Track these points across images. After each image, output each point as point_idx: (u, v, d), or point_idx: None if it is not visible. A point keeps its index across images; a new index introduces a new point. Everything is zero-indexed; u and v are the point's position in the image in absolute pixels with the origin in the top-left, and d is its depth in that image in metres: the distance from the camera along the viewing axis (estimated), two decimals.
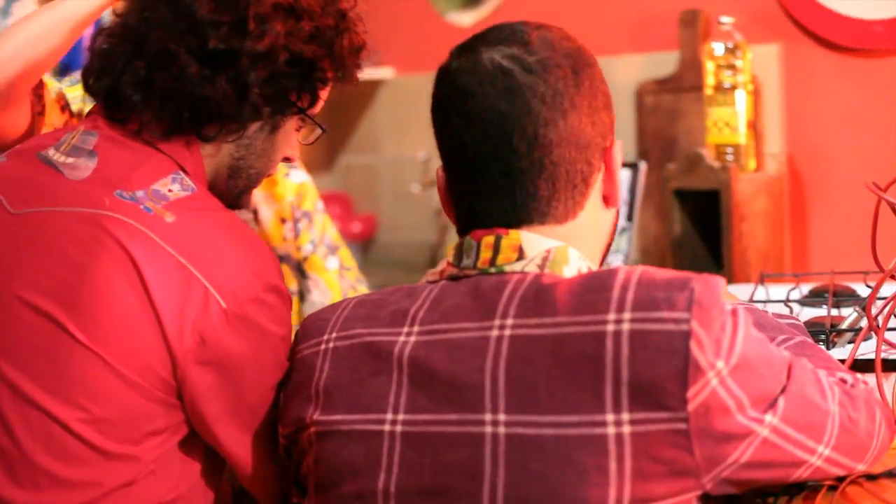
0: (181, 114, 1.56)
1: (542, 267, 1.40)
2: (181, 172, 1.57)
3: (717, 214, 2.38)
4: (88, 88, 1.63)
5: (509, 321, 1.35)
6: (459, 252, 1.45)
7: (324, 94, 1.67)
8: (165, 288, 1.46)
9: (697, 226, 2.49)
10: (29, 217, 1.53)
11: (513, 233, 1.42)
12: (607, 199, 1.48)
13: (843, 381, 1.44)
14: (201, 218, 1.53)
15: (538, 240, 1.42)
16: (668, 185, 2.46)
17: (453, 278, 1.45)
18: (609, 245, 1.55)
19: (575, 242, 1.44)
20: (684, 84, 2.79)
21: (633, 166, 2.67)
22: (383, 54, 3.83)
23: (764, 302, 1.98)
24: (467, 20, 3.52)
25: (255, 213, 2.30)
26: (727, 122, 2.38)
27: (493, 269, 1.41)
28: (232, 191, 1.67)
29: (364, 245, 4.04)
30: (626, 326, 1.29)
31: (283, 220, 2.33)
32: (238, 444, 1.55)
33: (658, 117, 2.88)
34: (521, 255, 1.41)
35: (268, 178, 2.24)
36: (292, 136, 1.69)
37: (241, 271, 1.51)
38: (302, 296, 2.37)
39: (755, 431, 1.30)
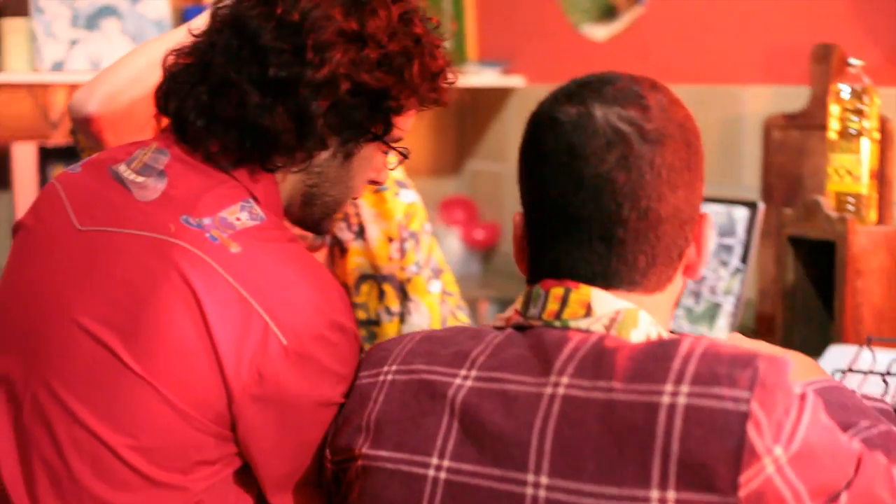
0: (243, 143, 1.52)
1: (608, 328, 1.35)
2: (251, 200, 1.54)
3: (832, 265, 2.28)
4: (160, 108, 1.60)
5: (564, 380, 1.31)
6: (527, 300, 1.41)
7: (401, 121, 1.62)
8: (225, 321, 1.43)
9: (812, 275, 2.39)
10: (94, 236, 1.52)
11: (583, 288, 1.37)
12: (688, 269, 1.44)
13: None
14: (267, 250, 1.50)
15: (609, 299, 1.37)
16: (784, 231, 2.36)
17: (518, 327, 1.41)
18: (674, 309, 1.50)
19: (654, 311, 1.40)
20: (813, 121, 2.68)
21: (751, 206, 2.57)
22: (515, 63, 3.79)
23: (865, 373, 1.87)
24: (601, 34, 3.45)
25: (363, 231, 2.28)
26: (849, 169, 2.28)
27: (557, 323, 1.37)
28: (310, 217, 1.64)
29: (485, 253, 4.01)
30: (681, 400, 1.23)
31: (390, 240, 2.30)
32: (285, 480, 1.52)
33: (784, 154, 2.78)
34: (588, 312, 1.37)
35: (377, 196, 2.25)
36: (374, 160, 1.65)
37: (304, 307, 1.47)
38: (402, 317, 2.34)
39: None
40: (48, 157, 3.34)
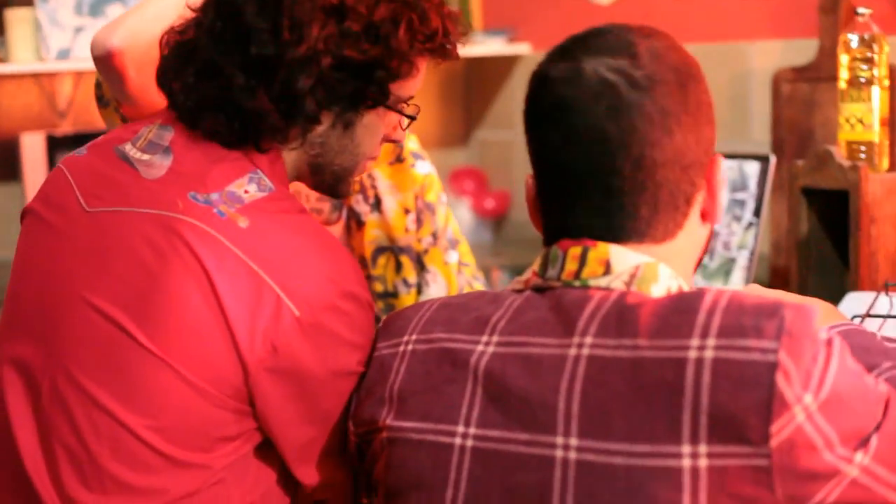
0: (233, 125, 1.51)
1: (629, 284, 1.35)
2: (258, 171, 1.53)
3: (846, 215, 2.28)
4: (160, 84, 1.59)
5: (588, 339, 1.30)
6: (545, 262, 1.40)
7: (403, 84, 1.58)
8: (236, 295, 1.43)
9: (826, 225, 2.38)
10: (102, 216, 1.51)
11: (601, 245, 1.36)
12: (705, 215, 1.42)
13: None
14: (276, 222, 1.49)
15: (627, 254, 1.36)
16: (797, 183, 2.36)
17: (538, 289, 1.40)
18: (700, 259, 1.48)
19: (671, 261, 1.38)
20: (822, 74, 2.67)
21: (763, 159, 2.57)
22: (520, 30, 3.78)
23: (884, 317, 1.88)
24: (606, 0, 3.44)
25: (379, 202, 2.28)
26: (860, 118, 2.27)
27: (577, 283, 1.36)
28: (322, 185, 1.63)
29: (497, 222, 4.00)
30: (709, 354, 1.23)
31: (406, 211, 2.30)
32: (307, 451, 1.52)
33: (794, 107, 2.77)
34: (607, 270, 1.36)
35: (393, 168, 2.24)
36: (379, 125, 1.61)
37: (315, 278, 1.47)
38: (420, 288, 2.34)
39: (843, 471, 1.23)
40: (56, 146, 3.33)
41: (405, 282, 2.28)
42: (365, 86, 1.53)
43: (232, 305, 1.43)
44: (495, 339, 1.37)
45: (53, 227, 1.55)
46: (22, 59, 3.31)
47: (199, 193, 1.48)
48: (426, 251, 2.30)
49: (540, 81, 1.40)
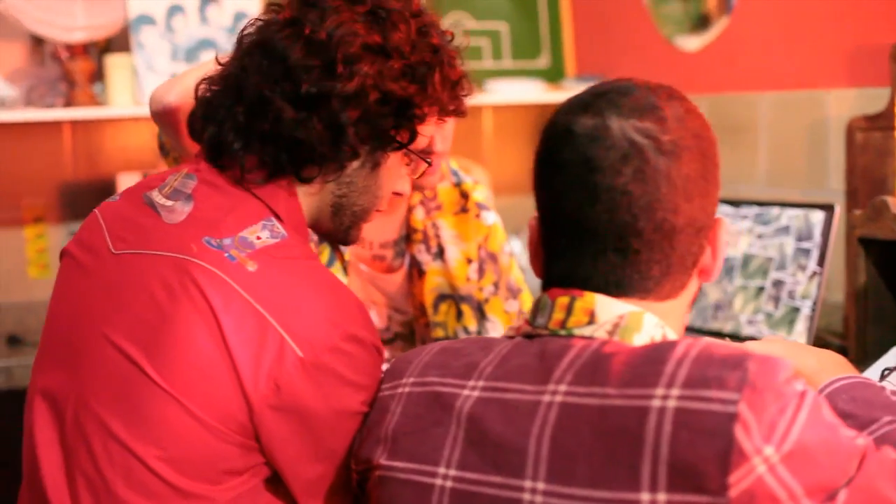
0: (280, 157, 1.59)
1: (611, 333, 1.37)
2: (273, 219, 1.60)
3: None
4: (193, 134, 1.68)
5: (562, 387, 1.33)
6: (535, 310, 1.43)
7: (424, 128, 1.68)
8: (242, 335, 1.49)
9: (883, 275, 2.35)
10: (125, 258, 1.59)
11: (588, 295, 1.38)
12: (703, 273, 1.44)
13: None
14: (283, 267, 1.55)
15: (612, 304, 1.38)
16: (854, 233, 2.34)
17: (527, 336, 1.43)
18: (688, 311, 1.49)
19: (668, 317, 1.41)
20: (894, 122, 2.64)
21: (827, 208, 2.54)
22: (611, 77, 3.78)
23: None
24: (693, 45, 3.44)
25: (442, 252, 2.31)
26: None
27: (563, 332, 1.39)
28: (339, 228, 1.70)
29: None
30: (671, 403, 1.24)
31: (469, 261, 2.32)
32: (314, 487, 1.56)
33: (868, 155, 2.74)
34: (591, 320, 1.38)
35: (458, 218, 2.28)
36: (399, 170, 1.71)
37: (318, 320, 1.52)
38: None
39: None
40: None
41: (465, 329, 2.30)
42: (398, 123, 1.62)
43: (237, 345, 1.49)
44: (480, 384, 1.40)
45: (84, 266, 1.64)
46: (120, 103, 3.45)
47: (214, 238, 1.55)
48: (487, 300, 2.32)
49: (561, 134, 1.40)
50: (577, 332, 1.38)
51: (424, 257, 2.30)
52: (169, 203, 1.61)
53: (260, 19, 1.65)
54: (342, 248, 2.17)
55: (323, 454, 1.55)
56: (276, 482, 1.58)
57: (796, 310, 2.53)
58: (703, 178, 1.38)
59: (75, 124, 3.60)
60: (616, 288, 1.38)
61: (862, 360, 2.25)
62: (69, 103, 3.51)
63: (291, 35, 1.59)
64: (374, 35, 1.59)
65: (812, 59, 2.98)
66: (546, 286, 1.44)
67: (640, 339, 1.37)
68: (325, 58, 1.58)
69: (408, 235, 2.31)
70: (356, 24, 1.59)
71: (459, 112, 1.72)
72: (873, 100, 2.76)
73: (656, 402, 1.25)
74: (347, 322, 1.54)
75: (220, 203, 1.60)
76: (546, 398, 1.33)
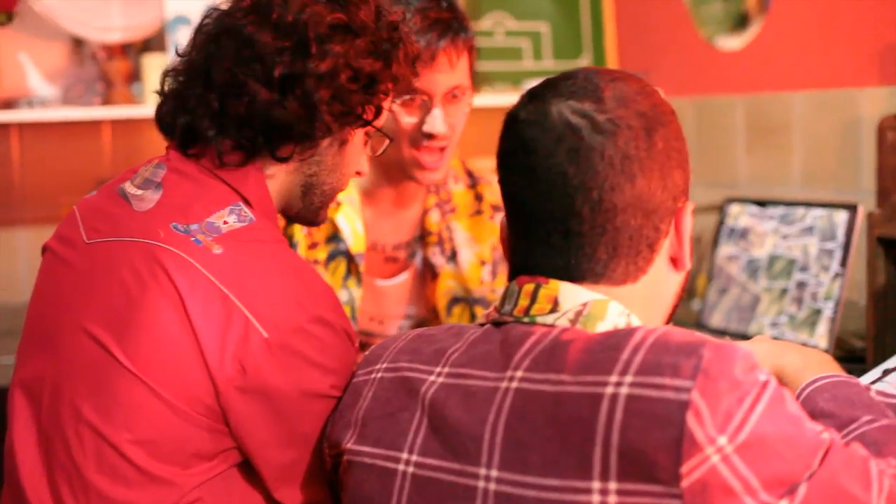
0: (256, 139, 1.61)
1: (573, 321, 1.35)
2: (241, 203, 1.61)
3: None
4: (164, 128, 1.69)
5: (519, 374, 1.31)
6: (504, 297, 1.42)
7: (387, 104, 1.71)
8: (207, 317, 1.50)
9: None
10: (97, 246, 1.61)
11: (552, 283, 1.37)
12: (675, 262, 1.42)
13: None
14: (249, 250, 1.56)
15: (577, 292, 1.36)
16: (873, 232, 2.28)
17: (495, 323, 1.41)
18: (675, 307, 1.46)
19: (631, 303, 1.38)
20: None
21: (851, 208, 2.49)
22: (654, 76, 3.75)
23: None
24: (734, 44, 3.40)
25: (455, 255, 2.31)
26: None
27: (526, 319, 1.38)
28: (309, 208, 1.71)
29: None
30: (624, 390, 1.22)
31: (482, 263, 2.33)
32: (285, 473, 1.56)
33: None
34: (554, 308, 1.36)
35: (472, 220, 2.28)
36: (361, 149, 1.73)
37: (284, 302, 1.52)
38: None
39: None
40: None
41: None
42: (366, 100, 1.65)
43: (203, 326, 1.50)
44: (445, 370, 1.40)
45: (62, 259, 1.66)
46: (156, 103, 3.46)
47: (181, 224, 1.57)
48: None
49: (509, 122, 1.42)
50: (539, 319, 1.36)
51: (438, 260, 2.30)
52: (139, 192, 1.63)
53: (217, 9, 1.67)
54: (357, 260, 2.19)
55: (292, 439, 1.55)
56: (248, 469, 1.58)
57: (818, 311, 2.48)
58: (649, 158, 1.35)
59: (114, 123, 3.64)
60: (566, 273, 1.37)
61: (880, 362, 2.19)
62: (107, 103, 3.54)
63: (257, 21, 1.61)
64: (337, 13, 1.62)
65: (845, 58, 2.93)
66: (513, 274, 1.43)
67: (602, 327, 1.35)
68: (295, 39, 1.59)
69: (422, 238, 2.32)
70: (318, 5, 1.62)
71: (412, 89, 1.87)
72: None
73: (609, 389, 1.23)
74: (314, 304, 1.55)
75: (188, 190, 1.62)
76: (503, 384, 1.32)
